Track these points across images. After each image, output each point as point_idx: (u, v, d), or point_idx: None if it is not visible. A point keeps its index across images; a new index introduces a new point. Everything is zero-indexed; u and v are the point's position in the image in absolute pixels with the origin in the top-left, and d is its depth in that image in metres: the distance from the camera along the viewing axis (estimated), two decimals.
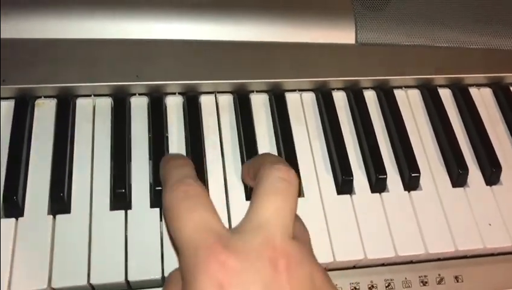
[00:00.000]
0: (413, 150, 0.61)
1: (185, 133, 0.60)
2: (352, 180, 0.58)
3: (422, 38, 0.69)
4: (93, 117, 0.60)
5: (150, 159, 0.57)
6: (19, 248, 0.51)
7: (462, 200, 0.60)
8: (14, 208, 0.52)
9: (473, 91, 0.69)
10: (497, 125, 0.67)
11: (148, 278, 0.51)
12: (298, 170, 0.58)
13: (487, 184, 0.62)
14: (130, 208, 0.54)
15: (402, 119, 0.64)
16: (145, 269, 0.51)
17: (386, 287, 0.56)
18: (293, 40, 0.66)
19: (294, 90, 0.65)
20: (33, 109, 0.59)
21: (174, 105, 0.62)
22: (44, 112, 0.59)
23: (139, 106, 0.61)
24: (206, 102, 0.63)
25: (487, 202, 0.61)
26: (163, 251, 0.52)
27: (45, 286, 0.49)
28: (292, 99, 0.64)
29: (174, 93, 0.63)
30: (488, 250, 0.58)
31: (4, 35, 0.59)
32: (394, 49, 0.68)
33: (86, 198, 0.54)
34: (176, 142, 0.59)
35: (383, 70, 0.66)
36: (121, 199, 0.54)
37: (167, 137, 0.59)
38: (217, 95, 0.63)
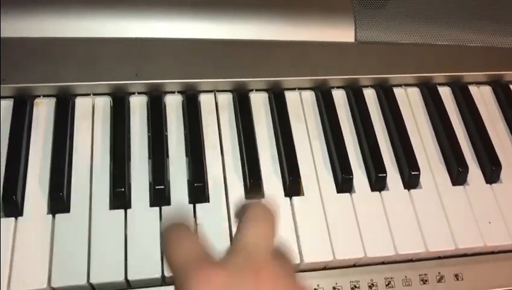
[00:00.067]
0: (413, 149, 0.61)
1: (185, 132, 0.60)
2: (352, 178, 0.58)
3: (421, 36, 0.69)
4: (92, 116, 0.60)
5: (149, 158, 0.57)
6: (18, 247, 0.51)
7: (462, 199, 0.60)
8: (14, 208, 0.52)
9: (472, 89, 0.69)
10: (497, 123, 0.67)
11: (148, 277, 0.51)
12: (298, 168, 0.58)
13: (487, 182, 0.62)
14: (130, 207, 0.54)
15: (402, 117, 0.64)
16: (145, 268, 0.51)
17: (386, 285, 0.56)
18: (293, 38, 0.66)
19: (293, 89, 0.65)
20: (32, 108, 0.59)
21: (173, 104, 0.62)
22: (43, 111, 0.59)
23: (138, 105, 0.61)
24: (206, 101, 0.63)
25: (487, 200, 0.61)
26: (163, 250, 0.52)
27: (45, 286, 0.49)
28: (292, 98, 0.64)
29: (174, 92, 0.62)
30: (488, 248, 0.58)
31: (3, 34, 0.59)
32: (393, 48, 0.68)
33: (85, 197, 0.54)
34: (176, 141, 0.59)
35: (382, 68, 0.66)
36: (120, 198, 0.54)
37: (166, 136, 0.59)
38: (217, 93, 0.63)
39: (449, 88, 0.69)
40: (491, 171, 0.62)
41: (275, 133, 0.61)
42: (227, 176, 0.58)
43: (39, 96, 0.60)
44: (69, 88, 0.59)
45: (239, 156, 0.59)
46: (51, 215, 0.53)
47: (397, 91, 0.67)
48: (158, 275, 0.51)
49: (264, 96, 0.64)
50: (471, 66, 0.69)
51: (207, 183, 0.57)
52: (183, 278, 0.39)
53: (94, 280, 0.50)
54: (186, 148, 0.59)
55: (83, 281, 0.50)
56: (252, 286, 0.38)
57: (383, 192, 0.59)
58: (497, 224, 0.59)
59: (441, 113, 0.65)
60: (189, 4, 0.65)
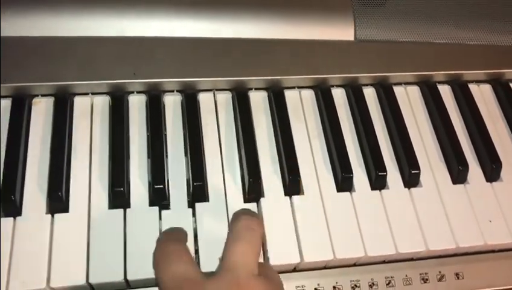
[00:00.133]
0: (413, 147, 0.61)
1: (184, 131, 0.60)
2: (352, 177, 0.58)
3: (421, 34, 0.69)
4: (91, 115, 0.59)
5: (148, 157, 0.57)
6: (17, 247, 0.50)
7: (463, 197, 0.60)
8: (12, 207, 0.52)
9: (472, 87, 0.69)
10: (497, 122, 0.67)
11: (147, 277, 0.50)
12: (298, 167, 0.58)
13: (487, 181, 0.62)
14: (129, 207, 0.54)
15: (402, 115, 0.64)
16: (145, 267, 0.50)
17: (387, 284, 0.56)
18: (292, 37, 0.65)
19: (293, 88, 0.65)
20: (30, 108, 0.59)
21: (172, 103, 0.62)
22: (42, 111, 0.59)
23: (137, 104, 0.61)
24: (205, 100, 0.62)
25: (487, 198, 0.60)
26: None
27: (44, 286, 0.49)
28: (291, 97, 0.64)
29: (172, 91, 0.62)
30: (488, 247, 0.58)
31: (1, 34, 0.59)
32: (393, 46, 0.68)
33: (84, 197, 0.54)
34: (175, 140, 0.59)
35: (382, 66, 0.66)
36: (119, 198, 0.54)
37: (166, 135, 0.59)
38: (216, 92, 0.63)
39: (449, 86, 0.69)
40: (492, 169, 0.61)
41: (274, 132, 0.61)
42: (226, 175, 0.57)
43: (37, 95, 0.60)
44: (68, 87, 0.59)
45: (238, 156, 0.59)
46: (49, 215, 0.53)
47: (397, 89, 0.67)
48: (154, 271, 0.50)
49: (263, 95, 0.64)
50: (471, 65, 0.69)
51: (206, 183, 0.56)
52: None
53: (93, 280, 0.50)
54: (185, 147, 0.59)
55: (82, 281, 0.50)
56: None
57: (383, 191, 0.59)
58: (498, 222, 0.59)
59: (441, 112, 0.65)
60: (188, 3, 0.64)
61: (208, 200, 0.56)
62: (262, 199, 0.56)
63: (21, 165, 0.55)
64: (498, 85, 0.70)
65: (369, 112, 0.64)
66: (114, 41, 0.61)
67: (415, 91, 0.68)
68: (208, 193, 0.56)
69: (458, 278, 0.57)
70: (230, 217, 0.54)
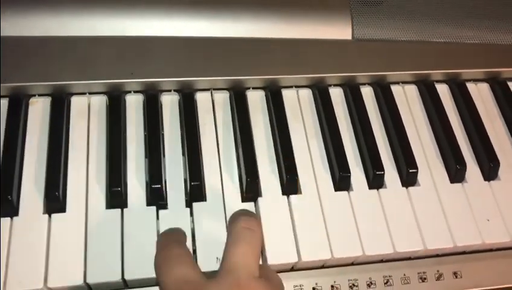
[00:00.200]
0: (410, 146, 0.61)
1: (181, 130, 0.60)
2: (349, 176, 0.58)
3: (419, 33, 0.68)
4: (88, 115, 0.59)
5: (145, 157, 0.57)
6: (14, 247, 0.50)
7: (460, 196, 0.60)
8: (9, 207, 0.52)
9: (470, 86, 0.69)
10: (495, 120, 0.67)
11: (144, 277, 0.50)
12: (295, 166, 0.58)
13: (485, 179, 0.62)
14: (126, 206, 0.54)
15: (399, 115, 0.64)
16: (142, 267, 0.50)
17: (385, 283, 0.56)
18: (289, 36, 0.65)
19: (290, 87, 0.65)
20: (27, 108, 0.59)
21: (169, 102, 0.62)
22: (39, 110, 0.59)
23: (134, 104, 0.61)
24: (202, 99, 0.62)
25: (485, 197, 0.60)
26: None
27: (41, 286, 0.49)
28: (289, 96, 0.64)
29: (170, 91, 0.62)
30: (486, 245, 0.58)
31: None
32: (391, 45, 0.68)
33: (81, 197, 0.54)
34: (172, 140, 0.59)
35: (379, 66, 0.66)
36: (116, 197, 0.54)
37: (163, 135, 0.59)
38: (213, 92, 0.63)
39: (447, 85, 0.69)
40: (489, 168, 0.61)
41: (272, 132, 0.61)
42: (224, 175, 0.57)
43: (34, 95, 0.59)
44: (65, 87, 0.59)
45: (236, 155, 0.59)
46: (47, 215, 0.52)
47: (395, 89, 0.67)
48: (155, 274, 0.50)
49: (261, 94, 0.64)
50: (468, 63, 0.69)
51: (204, 182, 0.56)
52: None
53: (91, 280, 0.50)
54: (182, 147, 0.58)
55: (79, 281, 0.49)
56: None
57: (380, 190, 0.59)
58: (496, 221, 0.59)
59: (439, 111, 0.65)
60: (185, 2, 0.64)
61: (206, 200, 0.56)
62: (260, 199, 0.56)
63: (18, 165, 0.54)
64: (496, 84, 0.70)
65: (366, 111, 0.64)
66: (111, 41, 0.61)
67: (412, 90, 0.68)
68: (205, 192, 0.56)
69: (456, 277, 0.57)
70: (228, 216, 0.54)
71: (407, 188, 0.59)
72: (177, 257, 0.46)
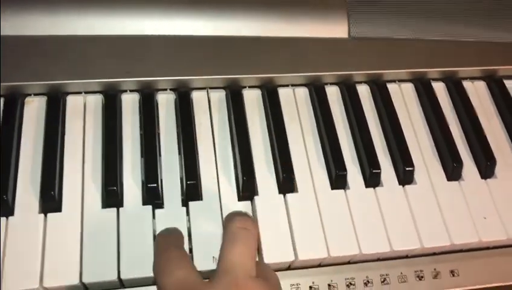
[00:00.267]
0: (407, 144, 0.61)
1: (177, 129, 0.59)
2: (346, 175, 0.58)
3: (415, 31, 0.68)
4: (83, 114, 0.59)
5: (141, 156, 0.57)
6: (9, 247, 0.50)
7: (457, 194, 0.60)
8: (4, 207, 0.52)
9: (466, 84, 0.69)
10: (492, 118, 0.67)
11: (141, 276, 0.50)
12: (292, 165, 0.58)
13: (482, 177, 0.62)
14: (122, 206, 0.54)
15: (396, 113, 0.64)
16: (138, 266, 0.50)
17: (382, 282, 0.55)
18: (285, 34, 0.65)
19: (287, 85, 0.65)
20: (23, 107, 0.59)
21: (165, 101, 0.62)
22: (34, 110, 0.58)
23: (130, 103, 0.61)
24: (198, 98, 0.62)
25: (482, 195, 0.60)
26: None
27: (37, 286, 0.49)
28: (285, 95, 0.64)
29: (166, 90, 0.62)
30: (483, 243, 0.58)
31: None
32: (387, 43, 0.67)
33: (77, 196, 0.54)
34: (168, 139, 0.59)
35: (376, 64, 0.66)
36: (112, 197, 0.54)
37: (159, 134, 0.59)
38: (209, 91, 0.63)
39: (443, 83, 0.69)
40: (486, 166, 0.61)
41: (268, 130, 0.61)
42: (220, 174, 0.57)
43: (30, 94, 0.59)
44: (60, 86, 0.59)
45: (232, 154, 0.59)
46: (42, 215, 0.52)
47: (391, 87, 0.67)
48: (151, 273, 0.50)
49: (257, 93, 0.64)
50: (465, 61, 0.69)
51: (200, 181, 0.56)
52: None
53: (87, 280, 0.50)
54: (178, 146, 0.58)
55: (75, 281, 0.49)
56: None
57: (377, 188, 0.59)
58: (492, 219, 0.59)
59: (435, 109, 0.65)
60: (182, 1, 0.64)
61: (202, 199, 0.55)
62: (256, 197, 0.56)
63: (13, 165, 0.54)
64: (492, 82, 0.70)
65: (363, 110, 0.64)
66: (107, 40, 0.61)
67: (409, 88, 0.68)
68: (201, 191, 0.56)
69: (453, 275, 0.57)
70: (225, 215, 0.54)
71: (403, 186, 0.59)
72: (176, 260, 0.46)
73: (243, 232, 0.47)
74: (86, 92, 0.60)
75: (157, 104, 0.61)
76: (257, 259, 0.52)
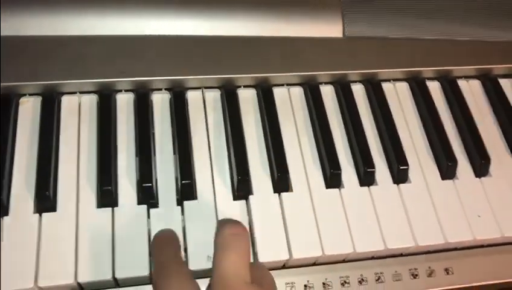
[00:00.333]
0: (401, 143, 0.61)
1: (172, 129, 0.60)
2: (340, 173, 0.58)
3: (410, 30, 0.69)
4: (78, 114, 0.59)
5: (136, 156, 0.57)
6: (4, 247, 0.50)
7: (452, 193, 0.60)
8: None
9: (461, 83, 0.69)
10: (486, 117, 0.67)
11: (135, 275, 0.50)
12: (287, 164, 0.58)
13: (476, 176, 0.62)
14: (117, 205, 0.54)
15: (390, 112, 0.64)
16: (133, 266, 0.50)
17: (376, 280, 0.56)
18: (280, 34, 0.65)
19: (282, 85, 0.65)
20: (17, 107, 0.58)
21: (160, 101, 0.62)
22: (29, 110, 0.59)
23: (125, 103, 0.61)
24: (193, 98, 0.62)
25: (476, 194, 0.60)
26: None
27: (31, 285, 0.49)
28: (280, 94, 0.64)
29: (160, 89, 0.62)
30: (477, 242, 0.58)
31: None
32: (382, 42, 0.68)
33: (72, 196, 0.54)
34: (163, 139, 0.59)
35: (371, 63, 0.66)
36: (107, 196, 0.54)
37: (154, 133, 0.59)
38: (204, 90, 0.63)
39: (438, 82, 0.69)
40: (480, 165, 0.62)
41: (263, 129, 0.61)
42: (215, 173, 0.57)
43: (25, 94, 0.59)
44: (55, 86, 0.59)
45: (227, 154, 0.59)
46: (37, 215, 0.52)
47: (386, 86, 0.67)
48: (146, 272, 0.50)
49: (252, 92, 0.64)
50: (460, 60, 0.69)
51: (195, 181, 0.56)
52: None
53: (82, 279, 0.50)
54: (173, 145, 0.58)
55: (70, 280, 0.49)
56: None
57: (371, 187, 0.59)
58: (487, 218, 0.59)
59: (430, 108, 0.65)
60: (176, 1, 0.64)
61: (197, 198, 0.55)
62: (251, 197, 0.56)
63: (8, 165, 0.54)
64: (487, 80, 0.70)
65: (357, 109, 0.64)
66: (101, 40, 0.61)
67: (403, 87, 0.68)
68: (196, 191, 0.56)
69: (448, 273, 0.57)
70: (219, 215, 0.54)
71: (398, 185, 0.59)
72: (175, 272, 0.46)
73: (234, 238, 0.46)
74: (80, 92, 0.60)
75: (152, 103, 0.61)
76: (251, 260, 0.52)
